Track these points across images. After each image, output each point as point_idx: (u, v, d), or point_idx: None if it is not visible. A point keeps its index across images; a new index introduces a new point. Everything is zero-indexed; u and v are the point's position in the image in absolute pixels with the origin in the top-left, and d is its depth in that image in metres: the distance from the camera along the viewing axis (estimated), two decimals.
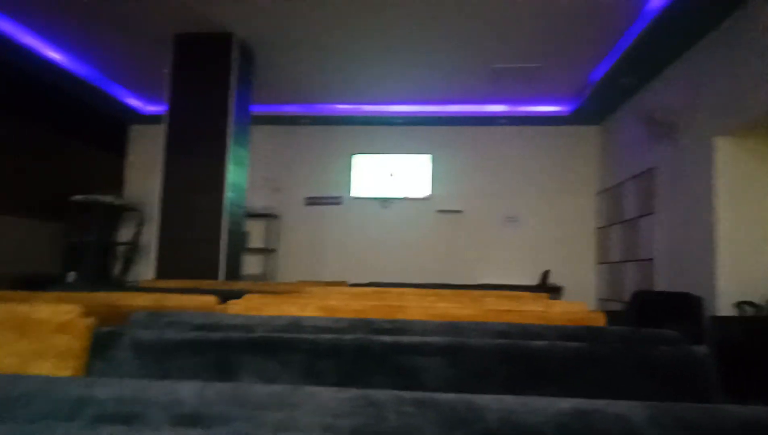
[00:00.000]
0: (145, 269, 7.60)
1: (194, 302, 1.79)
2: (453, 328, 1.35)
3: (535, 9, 4.51)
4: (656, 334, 1.34)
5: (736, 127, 4.23)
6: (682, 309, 4.56)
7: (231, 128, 5.00)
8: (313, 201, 7.69)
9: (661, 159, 5.42)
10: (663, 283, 5.31)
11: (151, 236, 7.39)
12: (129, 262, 7.53)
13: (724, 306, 4.30)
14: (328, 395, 0.71)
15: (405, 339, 1.16)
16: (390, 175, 7.54)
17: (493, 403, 0.69)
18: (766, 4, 3.81)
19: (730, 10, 4.23)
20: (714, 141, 4.47)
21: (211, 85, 5.03)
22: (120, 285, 6.09)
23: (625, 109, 6.46)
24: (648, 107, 5.48)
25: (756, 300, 4.18)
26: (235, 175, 5.11)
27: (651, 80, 5.72)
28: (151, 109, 7.33)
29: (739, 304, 4.13)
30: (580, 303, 1.84)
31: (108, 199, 6.92)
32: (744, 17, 4.10)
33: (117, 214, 7.62)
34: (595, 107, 6.68)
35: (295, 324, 1.36)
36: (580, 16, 4.61)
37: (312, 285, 3.39)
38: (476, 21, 4.73)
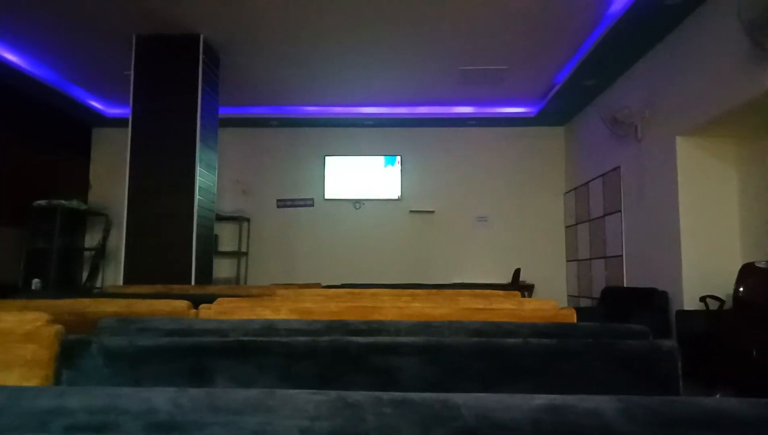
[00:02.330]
0: (113, 275, 7.43)
1: (165, 307, 1.76)
2: (428, 327, 1.36)
3: (501, 12, 4.57)
4: (625, 328, 1.37)
5: (696, 127, 4.36)
6: (650, 303, 4.68)
7: (199, 131, 4.93)
8: (284, 203, 7.64)
9: (626, 158, 5.56)
10: (631, 279, 5.44)
11: (118, 241, 7.23)
12: (96, 268, 7.35)
13: (689, 300, 4.42)
14: (305, 398, 0.71)
15: (381, 339, 1.16)
16: (362, 176, 7.55)
17: (470, 400, 0.70)
18: (719, 9, 3.94)
19: (687, 14, 4.36)
20: (675, 140, 4.60)
21: (177, 86, 4.96)
22: (87, 291, 5.94)
23: (589, 110, 6.60)
24: (610, 108, 5.61)
25: (719, 294, 4.32)
26: (204, 178, 5.04)
27: (613, 82, 5.86)
28: (115, 111, 7.17)
29: (704, 298, 4.26)
30: (551, 301, 1.87)
31: (72, 203, 6.74)
32: (701, 20, 4.23)
33: (82, 218, 7.43)
34: (560, 108, 6.81)
35: (270, 327, 1.35)
36: (544, 20, 4.69)
37: (285, 288, 3.36)
38: (443, 23, 4.77)
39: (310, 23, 4.79)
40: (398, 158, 7.56)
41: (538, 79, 6.10)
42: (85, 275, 7.37)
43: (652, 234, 4.97)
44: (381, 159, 7.58)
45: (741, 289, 4.01)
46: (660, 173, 4.85)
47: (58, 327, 1.15)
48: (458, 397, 0.70)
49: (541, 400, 0.70)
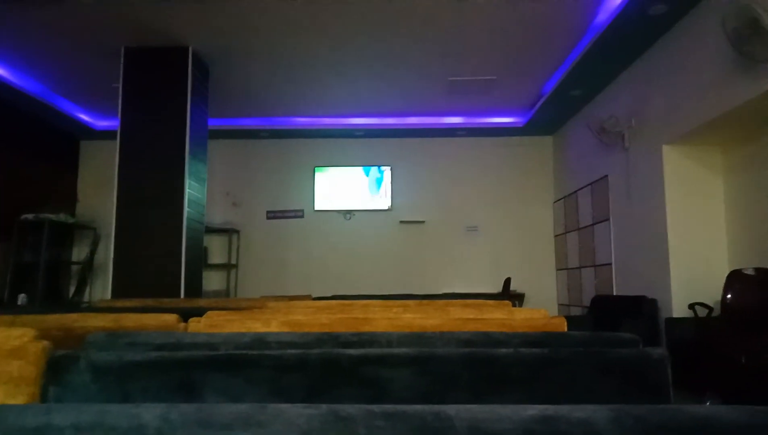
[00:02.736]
0: (101, 289, 7.35)
1: (154, 321, 1.74)
2: (419, 338, 1.36)
3: (489, 24, 4.62)
4: (615, 337, 1.38)
5: (681, 136, 4.41)
6: (639, 311, 4.70)
7: (188, 142, 4.91)
8: (274, 215, 7.62)
9: (613, 167, 5.61)
10: (621, 287, 5.47)
11: (106, 255, 7.16)
12: (83, 281, 7.27)
13: (678, 308, 4.45)
14: (296, 412, 0.70)
15: (372, 351, 1.16)
16: (352, 187, 7.56)
17: (462, 412, 0.69)
18: (703, 19, 4.01)
19: (671, 24, 4.43)
20: (662, 149, 4.66)
21: (167, 98, 4.95)
22: (74, 306, 5.87)
23: (577, 120, 6.66)
24: (598, 118, 5.67)
25: (708, 301, 4.35)
26: (194, 190, 5.02)
27: (599, 92, 5.92)
28: (103, 124, 7.13)
29: (693, 306, 4.29)
30: (542, 310, 1.88)
31: (60, 217, 6.68)
32: (685, 30, 4.30)
33: (70, 232, 7.36)
34: (548, 118, 6.87)
35: (260, 340, 1.34)
36: (532, 31, 4.74)
37: (275, 300, 3.35)
38: (433, 34, 4.81)
39: (299, 35, 4.81)
40: (389, 168, 7.58)
41: (526, 90, 6.16)
42: (72, 289, 7.28)
43: (641, 242, 5.01)
44: (371, 169, 7.59)
45: (729, 296, 4.04)
46: (647, 182, 4.90)
47: (45, 342, 1.13)
48: (450, 409, 0.70)
49: (533, 410, 0.70)
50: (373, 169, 7.59)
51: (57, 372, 1.10)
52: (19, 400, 1.07)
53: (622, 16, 4.27)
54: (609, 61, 5.12)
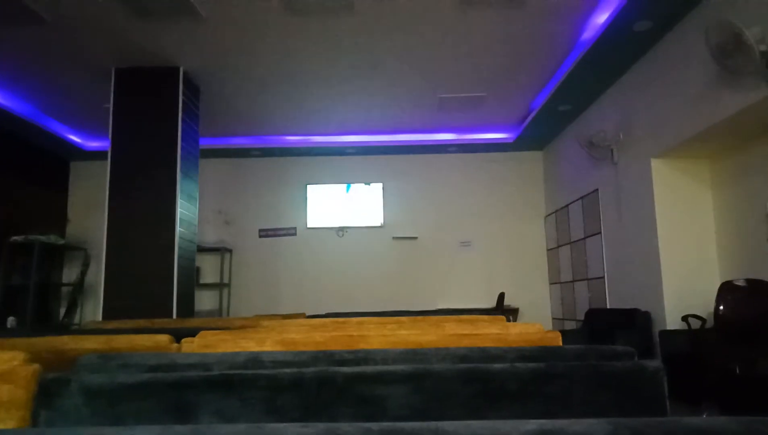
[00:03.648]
0: (92, 311, 7.27)
1: (146, 342, 1.73)
2: (414, 354, 1.35)
3: (478, 41, 4.67)
4: (610, 350, 1.38)
5: (669, 149, 4.46)
6: (633, 324, 4.71)
7: (179, 162, 4.91)
8: (266, 233, 7.60)
9: (603, 181, 5.65)
10: (614, 299, 5.48)
11: (97, 276, 7.10)
12: (74, 303, 7.19)
13: (671, 320, 4.46)
14: (292, 431, 0.70)
15: (367, 369, 1.15)
16: (344, 204, 7.56)
17: (461, 428, 0.69)
18: (687, 34, 4.08)
19: (656, 40, 4.51)
20: (650, 162, 4.70)
21: (157, 118, 4.95)
22: (65, 328, 5.80)
23: (566, 135, 6.72)
24: (587, 132, 5.73)
25: (700, 313, 4.37)
26: (185, 210, 5.00)
27: (588, 106, 5.99)
28: (94, 145, 7.12)
29: (686, 318, 4.30)
30: (536, 324, 1.88)
31: (50, 238, 6.62)
32: (670, 45, 4.37)
33: (60, 253, 7.29)
34: (538, 133, 6.93)
35: (254, 360, 1.33)
36: (520, 48, 4.80)
37: (269, 319, 3.32)
38: (422, 52, 4.86)
39: (289, 54, 4.84)
40: (381, 185, 7.59)
41: (515, 105, 6.22)
42: (63, 311, 7.20)
43: (632, 255, 5.03)
44: (363, 186, 7.60)
45: (721, 307, 4.06)
46: (637, 195, 4.94)
47: (35, 366, 1.12)
48: (449, 425, 0.70)
49: (531, 425, 0.69)
50: (365, 186, 7.60)
51: (48, 395, 1.08)
52: (9, 424, 1.05)
53: (608, 32, 4.34)
54: (596, 77, 5.18)
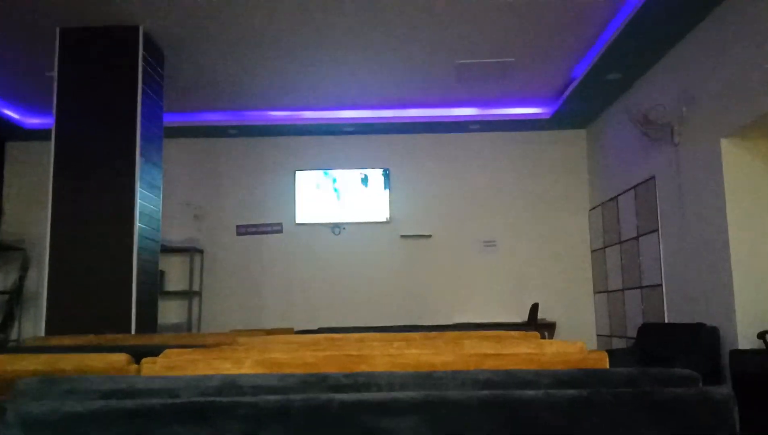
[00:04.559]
0: (33, 324, 7.31)
1: (99, 363, 1.74)
2: (426, 379, 1.36)
3: None
4: (668, 374, 1.38)
5: (744, 127, 4.43)
6: (697, 342, 4.69)
7: (139, 143, 4.92)
8: (246, 230, 7.61)
9: (661, 166, 5.63)
10: (674, 313, 5.46)
11: (39, 282, 7.14)
12: (11, 315, 7.24)
13: (744, 337, 4.45)
14: None
15: (369, 396, 1.15)
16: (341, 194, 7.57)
17: None
18: None
19: None
20: (720, 143, 4.67)
21: (112, 90, 4.96)
22: (0, 345, 5.84)
23: (615, 110, 6.69)
24: (641, 107, 5.69)
25: None
26: (146, 202, 5.02)
27: (642, 75, 5.95)
28: (34, 122, 7.14)
29: (763, 335, 4.28)
30: (578, 342, 1.88)
31: None
32: None
33: None
34: (580, 108, 6.90)
35: (231, 384, 1.33)
36: (557, 3, 4.78)
37: (249, 334, 3.34)
38: (436, 8, 4.84)
39: (275, 11, 4.83)
40: (386, 172, 7.59)
41: (552, 74, 6.19)
42: None
43: (697, 257, 5.01)
44: (365, 173, 7.60)
45: None
46: (703, 183, 4.92)
47: None
48: None
49: None
50: (368, 173, 7.60)
51: None
52: None
53: None
54: (653, 38, 5.15)
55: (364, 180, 7.61)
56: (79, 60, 5.01)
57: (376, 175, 7.61)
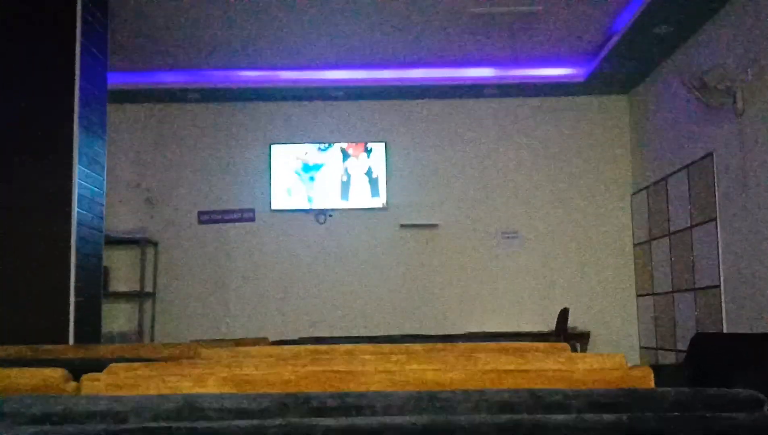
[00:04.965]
0: None
1: (29, 380, 1.74)
2: (432, 400, 1.36)
3: None
4: (727, 395, 1.38)
5: None
6: (763, 356, 4.71)
7: (77, 109, 4.89)
8: (210, 217, 7.60)
9: (721, 141, 5.63)
10: (734, 320, 5.48)
11: None
12: None
13: None
14: None
15: (360, 421, 1.15)
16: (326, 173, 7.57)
17: None
18: None
19: None
20: None
21: (43, 43, 4.92)
22: None
23: (664, 72, 6.68)
24: (696, 68, 5.68)
25: None
26: (87, 182, 5.00)
27: (699, 29, 5.94)
28: None
29: None
30: (616, 355, 1.88)
31: None
32: None
33: None
34: (621, 69, 6.88)
35: (191, 407, 1.34)
36: None
37: (214, 345, 3.34)
38: None
39: None
40: (382, 146, 7.58)
41: (586, 26, 6.18)
42: None
43: (764, 253, 5.03)
44: (357, 148, 7.59)
45: None
46: None
47: None
48: None
49: None
50: (360, 148, 7.59)
51: None
52: None
53: None
54: None
55: (357, 156, 7.60)
56: (3, 6, 4.97)
57: (371, 150, 7.60)
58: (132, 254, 7.49)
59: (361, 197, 7.57)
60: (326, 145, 7.61)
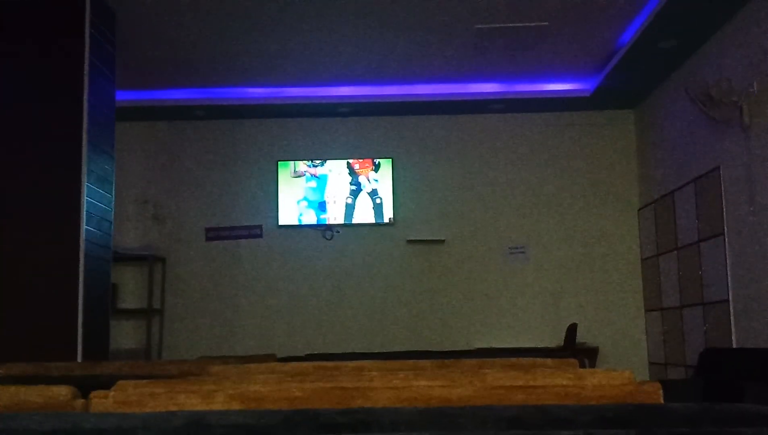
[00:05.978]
0: None
1: (37, 398, 1.74)
2: (440, 416, 1.36)
3: None
4: (737, 410, 1.37)
5: None
6: None
7: (86, 127, 4.91)
8: (218, 234, 7.61)
9: (728, 155, 5.62)
10: (744, 335, 5.45)
11: None
12: None
13: None
14: None
15: None
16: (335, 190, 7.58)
17: None
18: None
19: None
20: None
21: (51, 61, 4.95)
22: None
23: (670, 86, 6.68)
24: (702, 81, 5.68)
25: None
26: (95, 199, 5.02)
27: (703, 43, 5.94)
28: None
29: None
30: (625, 371, 1.88)
31: None
32: None
33: None
34: (627, 83, 6.89)
35: (199, 423, 1.34)
36: None
37: (221, 362, 3.34)
38: None
39: None
40: (389, 162, 7.59)
41: (593, 41, 6.19)
42: None
43: None
44: (363, 164, 7.60)
45: None
46: None
47: None
48: None
49: None
50: (367, 164, 7.60)
51: None
52: None
53: None
54: None
55: (364, 173, 7.61)
56: (8, 23, 5.00)
57: (378, 166, 7.61)
58: (139, 271, 7.51)
59: (368, 213, 7.57)
60: (333, 161, 7.62)
